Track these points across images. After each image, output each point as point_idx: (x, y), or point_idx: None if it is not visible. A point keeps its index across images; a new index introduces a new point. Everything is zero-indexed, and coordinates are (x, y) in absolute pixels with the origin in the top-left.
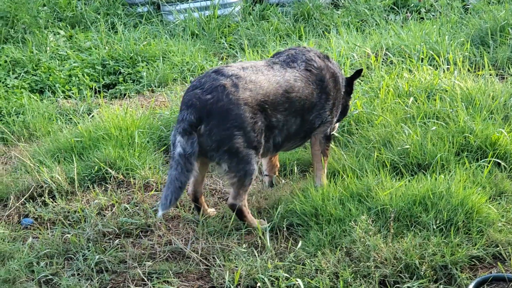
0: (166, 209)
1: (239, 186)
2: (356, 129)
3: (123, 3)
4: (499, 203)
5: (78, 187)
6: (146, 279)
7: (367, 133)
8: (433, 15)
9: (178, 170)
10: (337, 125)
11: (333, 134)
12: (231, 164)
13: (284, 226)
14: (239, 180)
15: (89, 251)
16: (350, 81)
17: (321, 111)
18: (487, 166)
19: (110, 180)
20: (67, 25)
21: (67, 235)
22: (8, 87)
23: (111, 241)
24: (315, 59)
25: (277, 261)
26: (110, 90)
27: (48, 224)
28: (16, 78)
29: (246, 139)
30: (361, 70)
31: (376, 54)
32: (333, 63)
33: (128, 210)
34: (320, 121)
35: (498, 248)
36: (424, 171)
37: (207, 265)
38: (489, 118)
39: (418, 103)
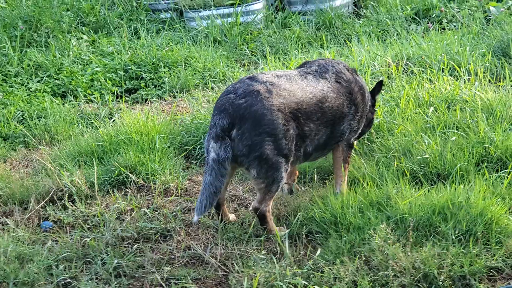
0: (201, 214)
1: (265, 192)
2: (377, 137)
3: (146, 9)
4: None
5: (98, 191)
6: (164, 285)
7: (387, 142)
8: (454, 26)
9: (213, 175)
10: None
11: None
12: (260, 170)
13: (303, 233)
14: (267, 186)
15: (107, 255)
16: (373, 95)
17: (351, 121)
18: (507, 177)
19: (130, 185)
20: (90, 30)
21: (86, 239)
22: (31, 91)
23: (130, 245)
24: (345, 72)
25: (295, 268)
26: (132, 95)
27: (68, 227)
28: (38, 82)
29: (277, 146)
30: (381, 82)
31: (397, 63)
32: (360, 77)
33: (148, 215)
34: (349, 131)
35: None
36: (443, 181)
37: (225, 271)
38: (509, 129)
39: (438, 113)
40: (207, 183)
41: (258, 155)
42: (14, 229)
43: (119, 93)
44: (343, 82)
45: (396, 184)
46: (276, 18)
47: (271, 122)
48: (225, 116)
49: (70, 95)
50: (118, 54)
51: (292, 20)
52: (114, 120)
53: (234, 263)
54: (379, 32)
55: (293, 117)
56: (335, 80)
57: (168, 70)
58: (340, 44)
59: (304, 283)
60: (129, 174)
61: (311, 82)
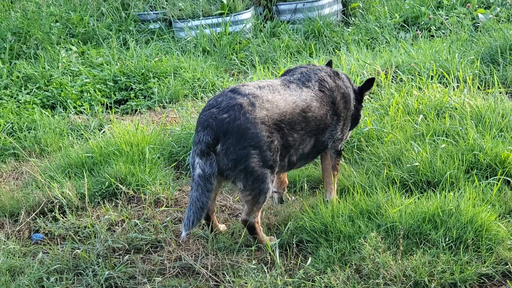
0: (189, 230)
1: (253, 204)
2: (366, 146)
3: (135, 20)
4: (509, 221)
5: (88, 202)
6: None
7: (377, 150)
8: (443, 33)
9: (199, 191)
10: (349, 133)
11: (343, 149)
12: (246, 183)
13: (293, 242)
14: (254, 198)
15: (98, 266)
16: (361, 91)
17: (333, 132)
18: (497, 184)
19: (121, 196)
20: (79, 41)
21: (77, 250)
22: (20, 103)
23: (121, 256)
24: (327, 80)
25: (286, 278)
26: (121, 106)
27: (58, 239)
28: (28, 93)
29: (262, 158)
30: (372, 80)
31: (386, 71)
32: (342, 79)
33: (138, 225)
34: (332, 141)
35: (507, 266)
36: (433, 189)
37: (216, 281)
38: (498, 136)
39: (427, 121)
40: (193, 199)
41: (244, 168)
42: (4, 241)
43: (108, 104)
44: (326, 90)
45: (386, 192)
46: (265, 27)
47: (255, 135)
48: (209, 132)
49: (60, 106)
50: (108, 65)
51: (281, 29)
52: (104, 132)
53: (225, 273)
54: (368, 40)
55: (277, 128)
56: (319, 88)
57: (158, 81)
58: (329, 52)
59: None
60: (119, 185)
61: (294, 92)
